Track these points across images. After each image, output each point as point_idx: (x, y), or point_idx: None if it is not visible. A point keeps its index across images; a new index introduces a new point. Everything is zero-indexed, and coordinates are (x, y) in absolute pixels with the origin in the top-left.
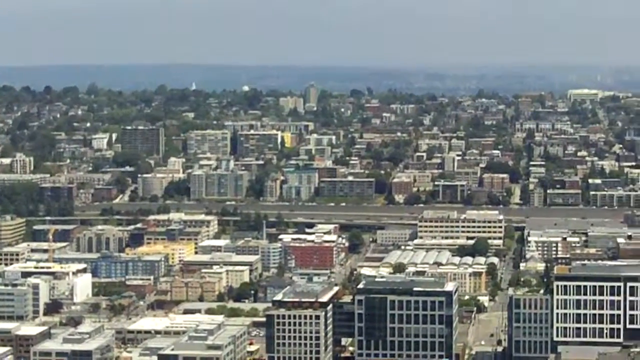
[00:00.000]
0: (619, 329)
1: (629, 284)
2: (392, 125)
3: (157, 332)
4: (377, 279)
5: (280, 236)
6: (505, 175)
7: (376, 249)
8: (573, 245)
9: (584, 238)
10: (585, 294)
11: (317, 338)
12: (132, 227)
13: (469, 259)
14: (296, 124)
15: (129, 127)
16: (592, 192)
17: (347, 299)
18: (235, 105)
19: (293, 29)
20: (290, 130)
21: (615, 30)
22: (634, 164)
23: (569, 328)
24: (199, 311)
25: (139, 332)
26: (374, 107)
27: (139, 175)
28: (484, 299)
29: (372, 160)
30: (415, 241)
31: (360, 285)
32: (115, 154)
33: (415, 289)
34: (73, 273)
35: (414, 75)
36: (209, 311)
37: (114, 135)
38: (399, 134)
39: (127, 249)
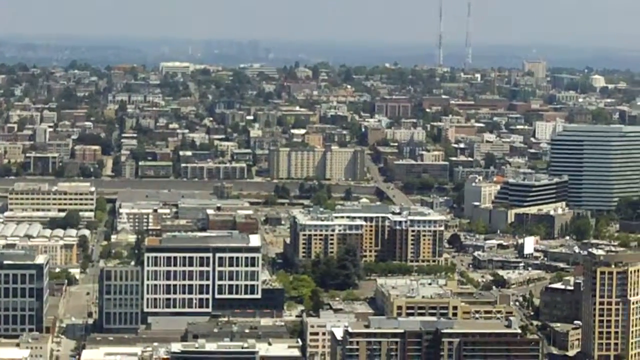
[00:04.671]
0: (207, 299)
1: (217, 255)
2: None
3: None
4: None
5: None
6: (97, 147)
7: None
8: (164, 216)
9: (174, 210)
10: (175, 265)
11: None
12: None
13: (60, 232)
14: None
15: None
16: (183, 164)
17: None
18: None
19: None
20: None
21: (206, 4)
22: (223, 136)
23: (159, 299)
24: None
25: None
26: None
27: None
28: (75, 272)
29: None
30: (6, 214)
31: None
32: None
33: (5, 262)
34: None
35: (5, 45)
36: None
37: None
38: None
39: None
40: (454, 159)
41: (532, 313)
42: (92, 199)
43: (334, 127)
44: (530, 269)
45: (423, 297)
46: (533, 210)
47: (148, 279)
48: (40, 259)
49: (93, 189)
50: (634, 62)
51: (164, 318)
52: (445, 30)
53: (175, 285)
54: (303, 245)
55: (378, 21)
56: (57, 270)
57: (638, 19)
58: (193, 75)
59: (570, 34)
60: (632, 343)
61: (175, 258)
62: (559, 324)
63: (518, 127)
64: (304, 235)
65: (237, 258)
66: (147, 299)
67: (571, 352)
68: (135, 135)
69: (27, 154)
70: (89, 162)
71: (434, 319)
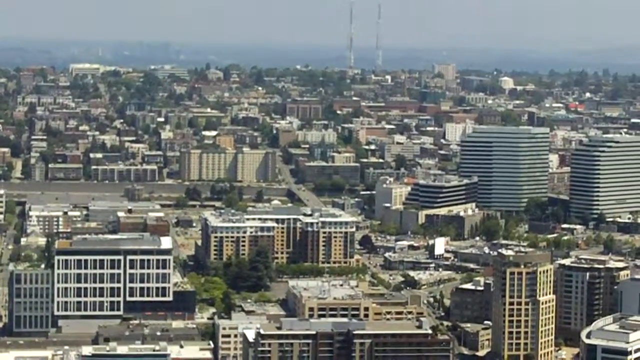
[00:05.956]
0: (119, 302)
1: (128, 257)
2: None
3: None
4: None
5: None
6: (6, 150)
7: None
8: (74, 219)
9: (85, 212)
10: (86, 267)
11: None
12: None
13: None
14: None
15: None
16: (93, 167)
17: None
18: None
19: None
20: None
21: (115, 6)
22: (134, 138)
23: (70, 302)
24: None
25: None
26: None
27: None
28: None
29: None
30: None
31: None
32: None
33: None
34: None
35: None
36: None
37: None
38: None
39: None
40: (364, 160)
41: (442, 313)
42: (1, 202)
43: (245, 129)
44: (440, 269)
45: (334, 298)
46: (443, 211)
47: (58, 282)
48: None
49: (2, 191)
50: (542, 64)
51: (74, 321)
52: (355, 32)
53: (86, 288)
54: (214, 247)
55: (289, 23)
56: None
57: (544, 22)
58: (103, 76)
59: (480, 36)
60: (541, 343)
61: (85, 261)
62: (469, 325)
63: (428, 128)
64: (216, 237)
65: (148, 260)
66: (58, 302)
67: (481, 352)
68: (45, 137)
69: None
70: None
71: (345, 320)
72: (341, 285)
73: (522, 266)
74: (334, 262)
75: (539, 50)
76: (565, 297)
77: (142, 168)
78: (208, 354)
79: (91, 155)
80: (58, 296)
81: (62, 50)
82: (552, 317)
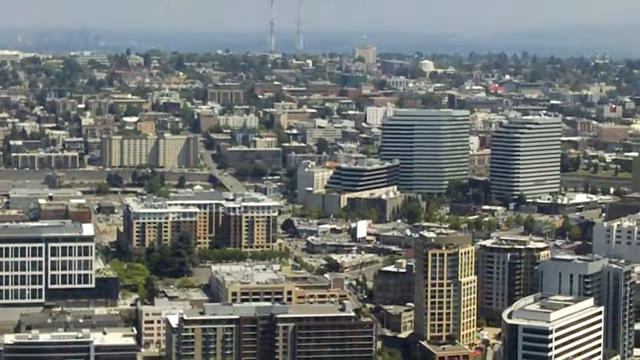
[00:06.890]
0: (40, 290)
1: (50, 245)
2: None
3: None
4: None
5: None
6: None
7: None
8: None
9: (5, 200)
10: (7, 255)
11: None
12: None
13: None
14: None
15: None
16: (13, 154)
17: None
18: None
19: None
20: None
21: None
22: (54, 125)
23: None
24: None
25: None
26: None
27: None
28: None
29: None
30: None
31: None
32: None
33: None
34: None
35: None
36: None
37: None
38: None
39: None
40: (286, 144)
41: (365, 296)
42: None
43: (167, 115)
44: (363, 252)
45: (258, 282)
46: (365, 194)
47: None
48: None
49: None
50: (462, 47)
51: None
52: (276, 16)
53: (7, 276)
54: (137, 233)
55: (209, 8)
56: None
57: (465, 5)
58: (22, 63)
59: (400, 19)
60: (463, 323)
61: (6, 249)
62: (392, 307)
63: (349, 112)
64: (138, 223)
65: (70, 247)
66: None
67: (404, 334)
68: None
69: None
70: None
71: (268, 304)
72: (264, 269)
73: (444, 248)
74: (257, 247)
75: (459, 34)
76: (487, 277)
77: (63, 155)
78: (131, 340)
79: (11, 142)
80: None
81: None
82: (474, 297)
